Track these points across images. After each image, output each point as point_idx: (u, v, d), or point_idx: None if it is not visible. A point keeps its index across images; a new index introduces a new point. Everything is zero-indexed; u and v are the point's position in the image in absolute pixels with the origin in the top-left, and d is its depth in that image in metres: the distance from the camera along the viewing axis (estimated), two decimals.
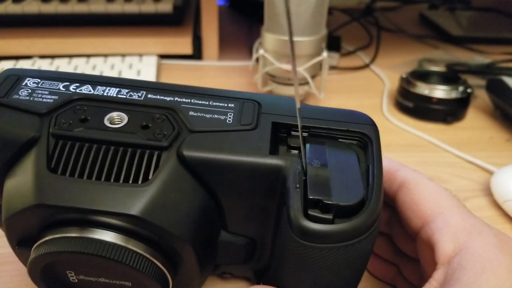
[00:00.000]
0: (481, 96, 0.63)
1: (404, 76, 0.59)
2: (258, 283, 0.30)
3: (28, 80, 0.27)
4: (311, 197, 0.22)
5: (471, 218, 0.25)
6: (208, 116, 0.26)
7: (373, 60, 0.74)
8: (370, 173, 0.24)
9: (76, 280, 0.25)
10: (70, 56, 0.67)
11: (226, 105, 0.27)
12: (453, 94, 0.55)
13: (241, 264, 0.29)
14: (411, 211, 0.27)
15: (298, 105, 0.23)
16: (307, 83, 0.55)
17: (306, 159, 0.24)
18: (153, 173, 0.23)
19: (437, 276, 0.23)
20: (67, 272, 0.25)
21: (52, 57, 0.66)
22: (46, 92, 0.26)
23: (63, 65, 0.64)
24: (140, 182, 0.23)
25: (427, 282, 0.24)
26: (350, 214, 0.23)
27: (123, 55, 0.68)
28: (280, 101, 0.28)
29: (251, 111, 0.26)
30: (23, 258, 0.26)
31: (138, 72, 0.63)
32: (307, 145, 0.25)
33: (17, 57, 0.65)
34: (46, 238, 0.23)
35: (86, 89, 0.27)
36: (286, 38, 0.52)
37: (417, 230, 0.26)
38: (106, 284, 0.25)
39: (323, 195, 0.22)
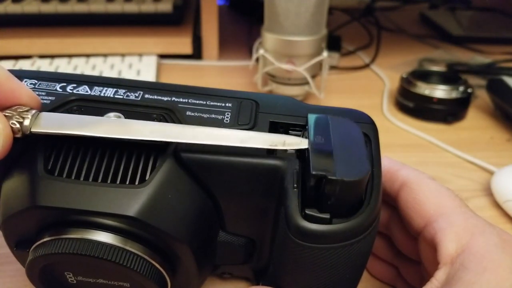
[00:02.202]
0: (482, 96, 0.63)
1: (404, 76, 0.59)
2: (257, 283, 0.30)
3: (25, 81, 0.27)
4: (314, 173, 0.21)
5: (473, 218, 0.25)
6: (205, 116, 0.26)
7: (373, 60, 0.74)
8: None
9: (75, 281, 0.25)
10: (70, 56, 0.67)
11: (223, 104, 0.26)
12: (454, 94, 0.55)
13: (240, 264, 0.29)
14: (413, 210, 0.27)
15: None
16: (307, 83, 0.55)
17: (309, 135, 0.24)
18: (150, 173, 0.23)
19: (439, 275, 0.23)
20: (66, 273, 0.25)
21: (52, 57, 0.66)
22: (43, 93, 0.26)
23: (62, 65, 0.64)
24: (137, 183, 0.23)
25: (428, 281, 0.24)
26: (354, 193, 0.22)
27: (123, 55, 0.68)
28: (278, 100, 0.27)
29: (249, 110, 0.26)
30: (21, 260, 0.26)
31: (138, 72, 0.63)
32: (311, 121, 0.25)
33: (16, 57, 0.65)
34: (44, 240, 0.23)
35: (83, 89, 0.26)
36: (286, 38, 0.52)
37: (420, 230, 0.26)
38: (105, 285, 0.25)
39: (327, 171, 0.21)
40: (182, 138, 0.23)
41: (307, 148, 0.23)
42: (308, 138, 0.24)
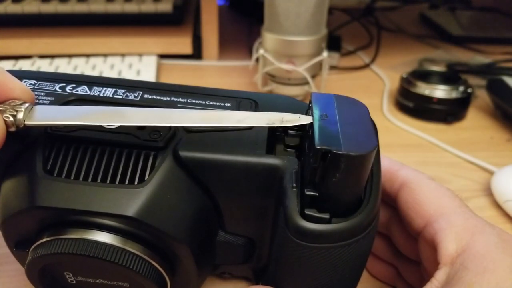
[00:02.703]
0: (482, 96, 0.63)
1: (404, 76, 0.59)
2: (257, 283, 0.30)
3: (25, 82, 0.27)
4: (318, 147, 0.21)
5: (473, 218, 0.25)
6: None
7: (373, 60, 0.74)
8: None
9: (74, 282, 0.25)
10: (70, 56, 0.67)
11: (222, 104, 0.26)
12: (454, 94, 0.55)
13: (240, 264, 0.29)
14: (413, 211, 0.27)
15: None
16: (307, 83, 0.55)
17: (313, 112, 0.23)
18: (149, 173, 0.23)
19: (439, 276, 0.23)
20: (65, 273, 0.25)
21: (52, 57, 0.66)
22: (42, 94, 0.26)
23: (62, 65, 0.63)
24: (136, 183, 0.23)
25: (428, 281, 0.24)
26: (361, 166, 0.21)
27: (123, 55, 0.68)
28: (277, 100, 0.27)
29: (248, 110, 0.26)
30: (21, 260, 0.26)
31: (138, 72, 0.63)
32: (315, 98, 0.24)
33: (16, 57, 0.66)
34: (43, 240, 0.23)
35: (82, 90, 0.26)
36: (286, 38, 0.52)
37: (420, 230, 0.26)
38: (104, 285, 0.25)
39: (332, 145, 0.21)
40: (177, 122, 0.23)
41: (311, 123, 0.23)
42: (312, 115, 0.23)
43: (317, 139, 0.21)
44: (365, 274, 0.34)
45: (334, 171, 0.21)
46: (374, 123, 0.26)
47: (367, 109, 0.24)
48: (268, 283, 0.27)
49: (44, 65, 0.63)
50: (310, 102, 0.25)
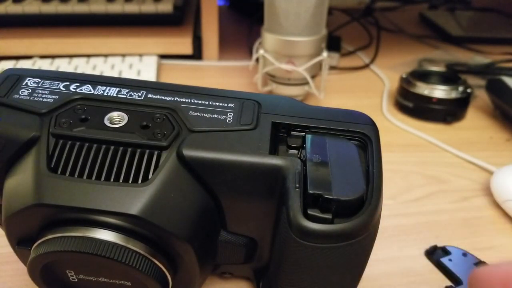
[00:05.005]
0: (481, 96, 0.63)
1: (404, 76, 0.59)
2: (258, 283, 0.30)
3: (29, 80, 0.27)
4: (311, 191, 0.22)
5: None
6: (208, 116, 0.26)
7: (373, 60, 0.74)
8: (370, 174, 0.24)
9: (76, 280, 0.25)
10: (70, 56, 0.67)
11: (226, 105, 0.27)
12: (453, 94, 0.55)
13: (241, 264, 0.29)
14: None
15: None
16: (307, 83, 0.56)
17: (306, 154, 0.24)
18: (153, 172, 0.23)
19: None
20: (67, 271, 0.25)
21: (52, 57, 0.66)
22: (46, 92, 0.26)
23: (63, 65, 0.64)
24: (140, 181, 0.23)
25: None
26: (350, 210, 0.23)
27: (123, 55, 0.68)
28: (280, 101, 0.28)
29: (251, 111, 0.26)
30: (23, 258, 0.26)
31: (138, 72, 0.63)
32: (308, 140, 0.25)
33: (17, 57, 0.66)
34: (46, 238, 0.23)
35: (86, 89, 0.27)
36: (286, 38, 0.52)
37: None
38: (106, 283, 0.25)
39: (323, 189, 0.22)
40: None
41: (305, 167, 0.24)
42: (306, 157, 0.24)
43: (309, 183, 0.23)
44: (365, 274, 0.34)
45: (326, 210, 0.23)
46: (375, 126, 0.26)
47: (357, 150, 0.25)
48: (269, 283, 0.27)
49: (45, 66, 0.63)
50: (304, 143, 0.25)
